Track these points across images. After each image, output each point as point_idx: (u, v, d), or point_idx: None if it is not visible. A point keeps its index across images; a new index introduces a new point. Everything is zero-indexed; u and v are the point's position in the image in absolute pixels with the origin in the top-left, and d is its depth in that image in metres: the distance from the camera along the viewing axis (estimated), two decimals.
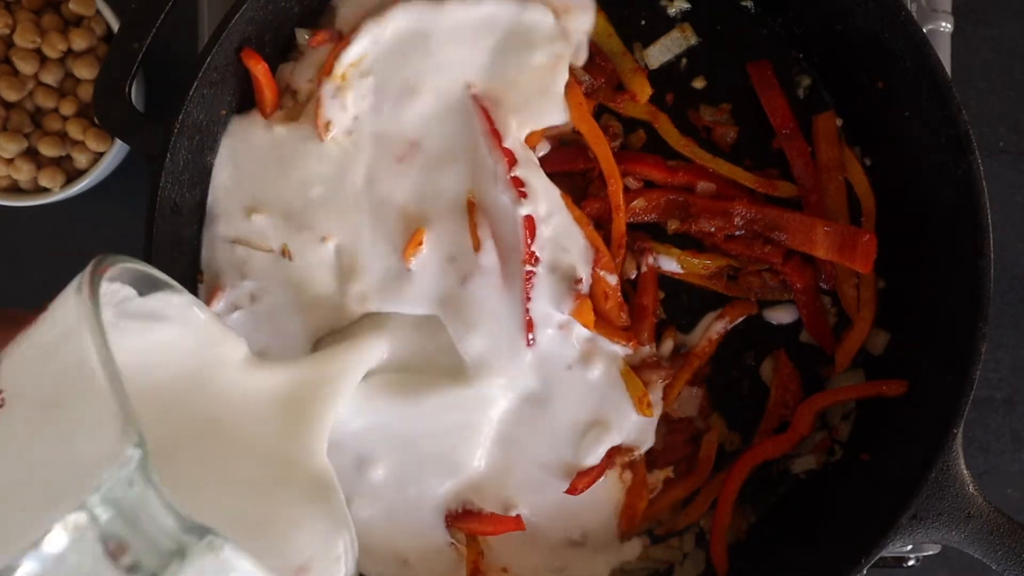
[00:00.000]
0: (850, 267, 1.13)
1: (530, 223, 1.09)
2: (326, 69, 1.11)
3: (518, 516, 1.13)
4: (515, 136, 1.12)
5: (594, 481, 1.14)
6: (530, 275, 1.09)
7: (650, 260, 1.16)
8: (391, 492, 1.13)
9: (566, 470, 1.15)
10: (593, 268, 1.13)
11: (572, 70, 1.15)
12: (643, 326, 1.15)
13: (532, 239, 1.09)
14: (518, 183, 1.09)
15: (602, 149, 1.14)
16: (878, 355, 1.18)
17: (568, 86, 1.15)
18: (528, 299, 1.10)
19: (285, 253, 1.12)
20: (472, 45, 1.12)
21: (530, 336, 1.11)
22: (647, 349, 1.17)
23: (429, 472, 1.13)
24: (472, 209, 1.13)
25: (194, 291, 1.15)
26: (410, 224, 1.12)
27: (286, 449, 0.83)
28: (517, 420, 1.14)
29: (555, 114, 1.14)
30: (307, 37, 1.16)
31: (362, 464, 1.12)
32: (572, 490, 1.14)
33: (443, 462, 1.13)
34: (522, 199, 1.08)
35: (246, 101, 1.16)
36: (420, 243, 1.11)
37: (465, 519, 1.14)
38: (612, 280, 1.13)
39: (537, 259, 1.10)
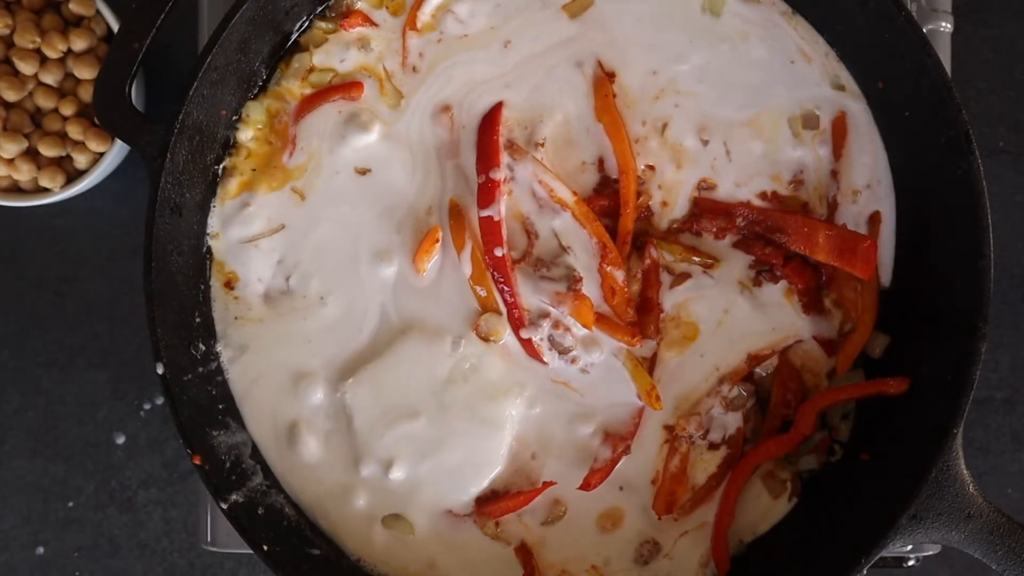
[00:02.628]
0: (850, 272, 1.13)
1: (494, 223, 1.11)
2: (410, 23, 1.16)
3: (546, 482, 1.14)
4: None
5: (606, 476, 1.14)
6: (509, 267, 1.11)
7: (652, 252, 1.15)
8: (417, 494, 1.15)
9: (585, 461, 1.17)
10: (600, 264, 1.13)
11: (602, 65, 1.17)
12: (649, 319, 1.15)
13: (535, 238, 1.10)
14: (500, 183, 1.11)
15: (621, 143, 1.14)
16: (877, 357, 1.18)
17: (598, 78, 1.16)
18: (513, 296, 1.11)
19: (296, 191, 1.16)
20: None
21: (522, 333, 1.12)
22: (652, 343, 1.17)
23: (454, 476, 1.15)
24: (455, 210, 1.15)
25: (207, 294, 1.16)
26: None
27: None
28: (533, 415, 1.16)
29: None
30: (331, 27, 1.17)
31: (386, 466, 1.14)
32: (585, 486, 1.14)
33: (467, 464, 1.15)
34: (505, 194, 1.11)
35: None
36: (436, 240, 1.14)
37: (494, 501, 1.15)
38: (619, 276, 1.14)
39: (535, 257, 1.12)
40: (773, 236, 1.15)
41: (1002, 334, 1.42)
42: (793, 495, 1.17)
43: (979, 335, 1.04)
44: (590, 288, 1.14)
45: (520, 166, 1.13)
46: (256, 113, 1.16)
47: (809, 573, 1.10)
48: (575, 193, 1.14)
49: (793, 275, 1.16)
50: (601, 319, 1.14)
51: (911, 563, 1.25)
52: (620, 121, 1.15)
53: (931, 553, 1.25)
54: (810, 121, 1.16)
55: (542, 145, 1.15)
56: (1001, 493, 1.43)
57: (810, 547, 1.13)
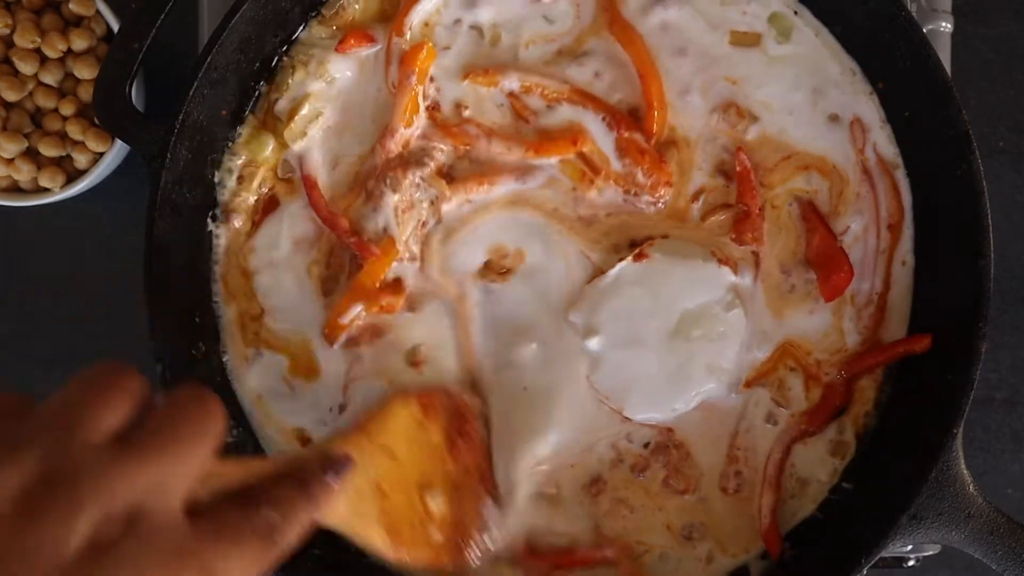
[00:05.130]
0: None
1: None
2: (396, 30, 1.14)
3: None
4: None
5: None
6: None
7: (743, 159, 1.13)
8: None
9: None
10: (619, 134, 1.11)
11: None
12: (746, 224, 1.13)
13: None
14: None
15: (638, 50, 1.11)
16: None
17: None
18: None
19: None
20: None
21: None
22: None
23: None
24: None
25: (209, 288, 1.16)
26: None
27: None
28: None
29: None
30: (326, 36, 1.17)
31: None
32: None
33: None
34: None
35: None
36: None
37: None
38: (640, 138, 1.11)
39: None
40: None
41: (1002, 334, 1.42)
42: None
43: (979, 335, 1.04)
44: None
45: (504, 82, 1.13)
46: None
47: (809, 573, 1.10)
48: (566, 81, 1.12)
49: None
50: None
51: (911, 563, 1.25)
52: (631, 27, 1.12)
53: (931, 553, 1.25)
54: (833, 121, 1.15)
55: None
56: (1001, 493, 1.43)
57: (810, 547, 1.13)
